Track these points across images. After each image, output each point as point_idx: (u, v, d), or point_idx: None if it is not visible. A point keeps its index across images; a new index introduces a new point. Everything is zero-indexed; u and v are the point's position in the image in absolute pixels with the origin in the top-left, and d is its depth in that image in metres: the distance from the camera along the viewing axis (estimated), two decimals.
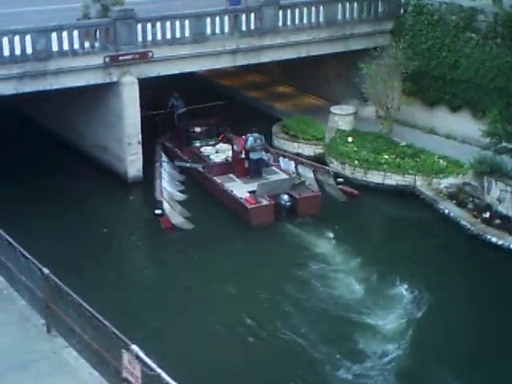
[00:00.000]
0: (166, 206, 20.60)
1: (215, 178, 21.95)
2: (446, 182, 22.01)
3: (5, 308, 12.40)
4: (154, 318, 16.48)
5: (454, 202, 21.27)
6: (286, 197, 20.58)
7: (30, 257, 11.86)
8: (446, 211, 21.07)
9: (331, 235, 19.96)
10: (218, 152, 23.77)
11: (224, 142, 24.24)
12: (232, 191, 21.06)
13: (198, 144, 24.27)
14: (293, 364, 15.09)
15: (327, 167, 23.12)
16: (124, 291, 17.49)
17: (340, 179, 22.55)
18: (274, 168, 22.73)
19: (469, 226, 20.11)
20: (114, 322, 10.40)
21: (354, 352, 15.39)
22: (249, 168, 22.08)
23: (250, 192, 20.83)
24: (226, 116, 24.65)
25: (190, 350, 15.27)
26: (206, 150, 23.96)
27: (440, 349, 15.46)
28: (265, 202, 20.41)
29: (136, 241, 20.57)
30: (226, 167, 22.47)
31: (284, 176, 22.10)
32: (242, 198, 20.60)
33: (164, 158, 23.95)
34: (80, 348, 11.16)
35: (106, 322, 10.33)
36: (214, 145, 24.28)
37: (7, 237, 12.44)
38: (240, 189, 21.15)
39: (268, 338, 15.81)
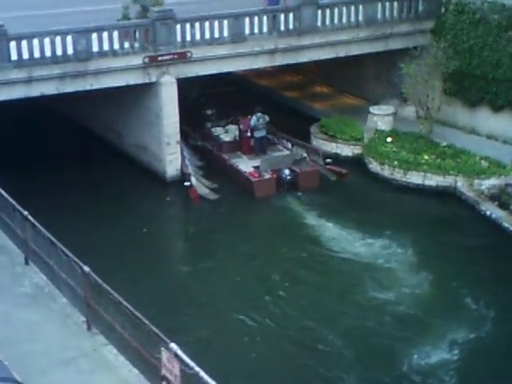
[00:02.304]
0: (192, 178, 22.60)
1: (224, 155, 23.89)
2: (488, 183, 21.65)
3: (46, 305, 12.53)
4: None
5: (496, 203, 20.93)
6: (287, 171, 22.43)
7: (70, 254, 11.96)
8: (488, 213, 20.71)
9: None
10: (228, 132, 25.21)
11: (233, 124, 25.54)
12: (238, 166, 22.93)
13: (209, 125, 25.64)
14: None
15: (317, 148, 24.37)
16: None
17: (328, 160, 23.68)
18: (278, 146, 24.65)
19: (511, 228, 19.73)
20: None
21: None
22: (254, 145, 23.94)
23: (254, 167, 22.76)
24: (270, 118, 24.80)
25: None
26: (217, 130, 25.35)
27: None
28: (267, 176, 22.30)
29: (172, 240, 20.88)
30: (234, 145, 24.38)
31: (286, 152, 23.94)
32: (246, 172, 22.49)
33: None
34: (120, 345, 11.21)
35: (145, 320, 10.35)
36: (223, 125, 25.63)
37: (49, 235, 12.55)
38: (246, 164, 23.19)
39: None
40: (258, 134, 23.85)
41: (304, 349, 15.63)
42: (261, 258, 19.22)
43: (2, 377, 9.77)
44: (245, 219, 21.56)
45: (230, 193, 22.51)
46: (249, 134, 24.03)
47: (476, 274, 18.31)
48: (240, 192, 22.39)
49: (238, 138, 24.60)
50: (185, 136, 24.49)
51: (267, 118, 23.95)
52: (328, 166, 23.49)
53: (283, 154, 23.96)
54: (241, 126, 24.37)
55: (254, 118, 23.78)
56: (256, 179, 22.20)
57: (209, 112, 25.95)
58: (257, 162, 23.03)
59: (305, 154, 23.93)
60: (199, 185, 22.67)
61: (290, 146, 24.63)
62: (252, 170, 22.68)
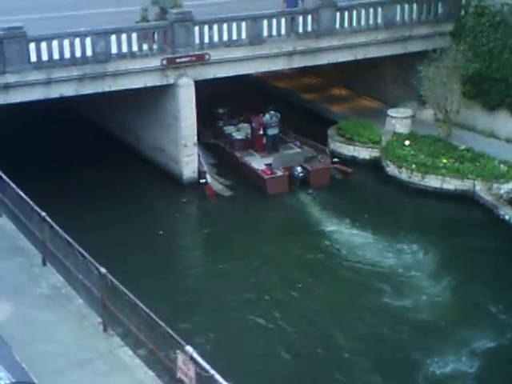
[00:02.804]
0: (208, 176, 23.07)
1: (236, 152, 24.19)
2: (507, 187, 21.47)
3: (63, 306, 12.57)
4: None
5: None
6: (299, 168, 22.77)
7: (87, 256, 11.99)
8: (507, 217, 20.53)
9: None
10: (239, 130, 25.56)
11: (244, 122, 25.88)
12: (251, 164, 23.26)
13: (221, 124, 25.94)
14: None
15: (325, 147, 24.48)
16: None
17: (335, 159, 24.15)
18: (289, 144, 24.84)
19: None
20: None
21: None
22: (266, 143, 24.25)
23: (266, 164, 23.10)
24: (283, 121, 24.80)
25: None
26: (229, 128, 25.69)
27: None
28: (279, 173, 22.67)
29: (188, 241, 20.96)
30: (246, 143, 24.77)
31: (298, 150, 24.22)
32: (258, 170, 22.85)
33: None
34: (136, 347, 11.22)
35: (161, 323, 10.36)
36: (235, 124, 25.77)
37: (66, 236, 12.60)
38: (258, 162, 23.51)
39: None
40: (271, 132, 24.18)
41: (315, 351, 15.58)
42: (276, 259, 19.20)
43: (22, 381, 9.85)
44: (259, 217, 21.78)
45: (243, 190, 22.82)
46: (261, 131, 24.35)
47: (495, 279, 18.13)
48: (253, 189, 22.67)
49: (250, 136, 24.94)
50: (197, 134, 24.66)
51: (279, 115, 24.27)
52: (335, 165, 23.89)
53: (295, 151, 24.27)
54: (253, 124, 24.69)
55: (268, 115, 24.11)
56: (268, 176, 22.54)
57: (221, 111, 26.20)
58: (269, 160, 23.33)
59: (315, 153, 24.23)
60: (214, 182, 23.12)
61: (298, 144, 24.92)
62: (264, 167, 23.01)
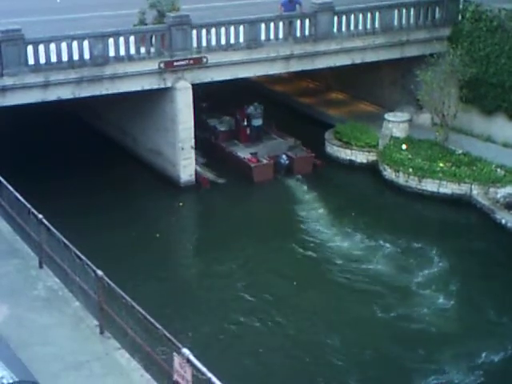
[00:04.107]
0: (197, 167, 23.44)
1: (222, 143, 25.06)
2: (504, 192, 21.51)
3: (60, 309, 12.53)
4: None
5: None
6: (284, 157, 23.95)
7: (84, 258, 11.98)
8: (503, 221, 20.58)
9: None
10: (222, 123, 26.22)
11: (228, 115, 26.47)
12: (237, 153, 24.23)
13: (204, 117, 26.23)
14: None
15: (296, 140, 25.28)
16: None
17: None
18: (272, 135, 25.64)
19: None
20: None
21: None
22: (250, 134, 25.05)
23: (251, 153, 24.16)
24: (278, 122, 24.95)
25: None
26: (212, 121, 26.33)
27: None
28: (265, 161, 23.77)
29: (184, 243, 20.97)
30: (231, 134, 25.54)
31: (281, 140, 25.17)
32: (245, 158, 23.89)
33: None
34: (132, 350, 11.20)
35: (158, 325, 10.34)
36: (218, 117, 26.19)
37: (63, 238, 12.58)
38: (243, 151, 24.46)
39: None
40: (255, 123, 25.07)
41: (310, 352, 15.62)
42: (276, 260, 19.22)
43: (25, 380, 9.84)
44: (254, 210, 22.49)
45: (231, 179, 23.57)
46: (245, 122, 25.13)
47: (490, 282, 18.15)
48: (240, 178, 23.48)
49: (233, 128, 25.65)
50: None
51: (263, 107, 25.15)
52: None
53: (279, 141, 25.20)
54: (238, 116, 25.40)
55: (252, 107, 25.01)
56: (255, 164, 23.62)
57: (204, 104, 26.29)
58: (253, 150, 24.36)
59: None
60: (204, 171, 23.87)
61: (280, 135, 25.64)
62: (250, 156, 24.06)
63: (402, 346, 15.91)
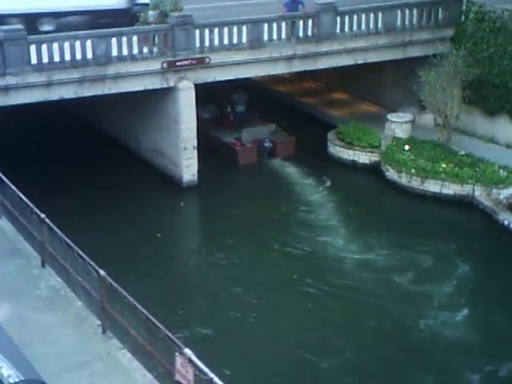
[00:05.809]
0: None
1: (207, 129, 25.44)
2: (506, 193, 21.45)
3: (62, 308, 12.56)
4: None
5: None
6: (267, 140, 25.08)
7: (86, 258, 11.98)
8: (506, 222, 20.53)
9: None
10: (206, 110, 26.56)
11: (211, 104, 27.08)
12: (222, 138, 25.41)
13: None
14: None
15: (277, 126, 26.14)
16: None
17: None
18: (254, 122, 26.45)
19: None
20: None
21: None
22: (234, 120, 26.12)
23: (236, 138, 25.25)
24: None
25: None
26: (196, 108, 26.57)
27: None
28: (249, 145, 24.94)
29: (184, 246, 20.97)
30: (215, 121, 26.48)
31: (263, 126, 26.08)
32: (230, 142, 25.09)
33: None
34: (134, 350, 11.20)
35: (160, 325, 10.34)
36: (202, 105, 26.52)
37: (65, 238, 12.59)
38: (228, 137, 25.57)
39: None
40: (239, 109, 26.28)
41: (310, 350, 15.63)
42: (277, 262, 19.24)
43: (31, 379, 9.86)
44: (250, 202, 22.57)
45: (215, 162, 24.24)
46: (229, 109, 26.20)
47: (492, 282, 18.14)
48: (225, 161, 24.42)
49: (217, 115, 26.57)
50: None
51: (246, 96, 26.33)
52: None
53: (261, 127, 26.03)
54: (222, 103, 26.30)
55: (236, 95, 26.24)
56: (240, 148, 24.77)
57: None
58: (237, 135, 25.34)
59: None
60: None
61: (261, 121, 26.45)
62: (234, 140, 25.17)
63: (403, 346, 15.95)
